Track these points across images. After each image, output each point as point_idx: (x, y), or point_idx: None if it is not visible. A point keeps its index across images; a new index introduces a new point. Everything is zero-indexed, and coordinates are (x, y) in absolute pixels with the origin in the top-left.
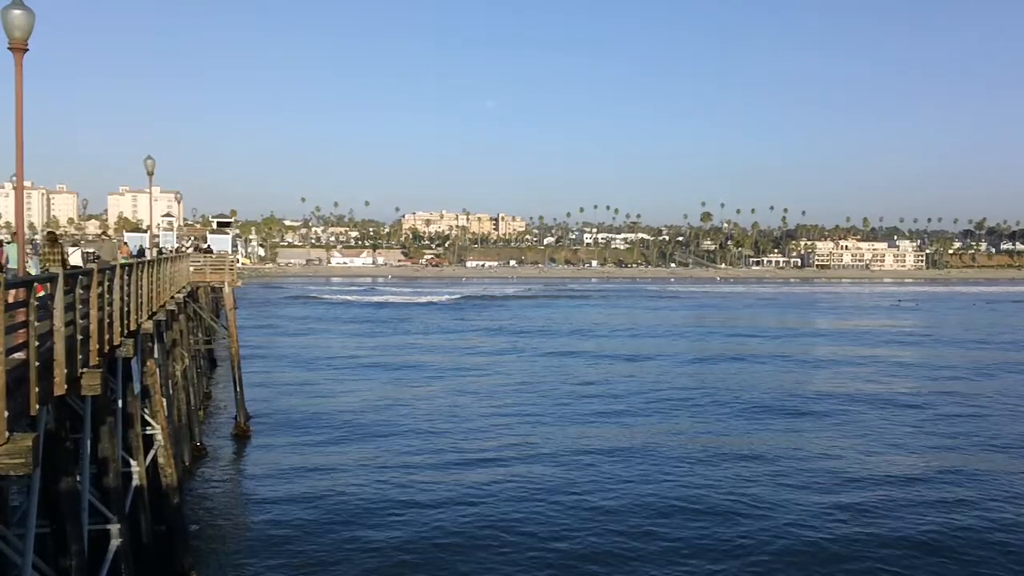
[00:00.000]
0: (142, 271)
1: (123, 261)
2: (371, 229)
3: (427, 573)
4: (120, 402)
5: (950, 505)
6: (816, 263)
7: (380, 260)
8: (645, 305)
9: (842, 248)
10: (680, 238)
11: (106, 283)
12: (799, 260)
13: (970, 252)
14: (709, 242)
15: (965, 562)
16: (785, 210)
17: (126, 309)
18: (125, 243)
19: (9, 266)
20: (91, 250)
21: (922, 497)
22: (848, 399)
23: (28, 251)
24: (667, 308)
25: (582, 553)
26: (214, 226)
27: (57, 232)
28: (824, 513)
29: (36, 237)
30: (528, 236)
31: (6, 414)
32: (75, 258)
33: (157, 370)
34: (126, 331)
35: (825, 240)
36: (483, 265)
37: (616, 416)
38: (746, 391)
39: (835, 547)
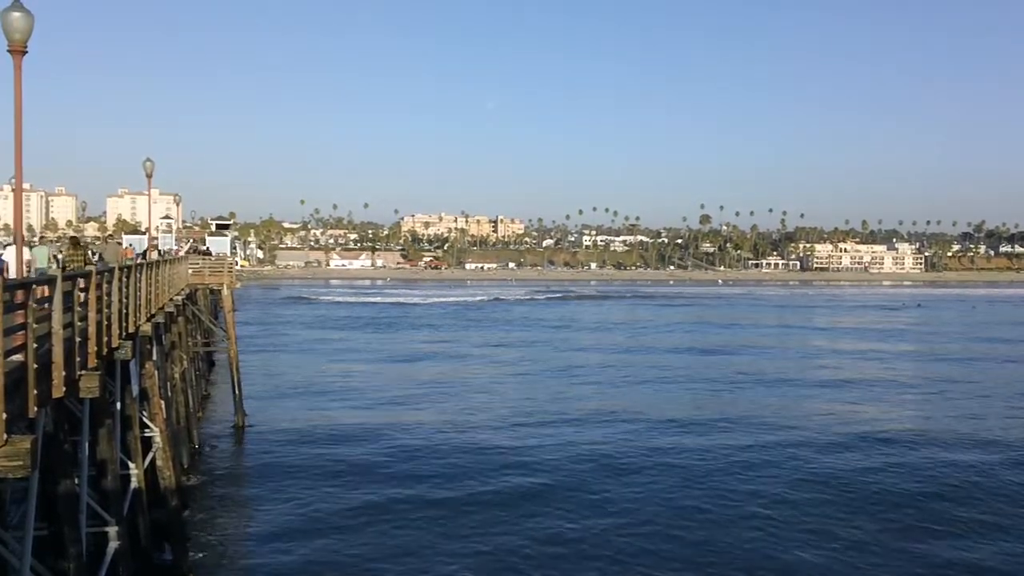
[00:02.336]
0: (140, 273)
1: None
2: (370, 231)
3: (427, 574)
4: (118, 404)
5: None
6: (815, 266)
7: (379, 262)
8: (669, 306)
9: (841, 251)
10: (679, 240)
11: (104, 285)
12: (798, 263)
13: (969, 255)
14: (708, 244)
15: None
16: (784, 212)
17: (124, 311)
18: (130, 246)
19: (37, 266)
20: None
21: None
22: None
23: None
24: (674, 309)
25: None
26: (213, 228)
27: (76, 237)
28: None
29: (34, 239)
30: (527, 238)
31: (4, 416)
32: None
33: (156, 372)
34: (124, 333)
35: (824, 243)
36: (482, 267)
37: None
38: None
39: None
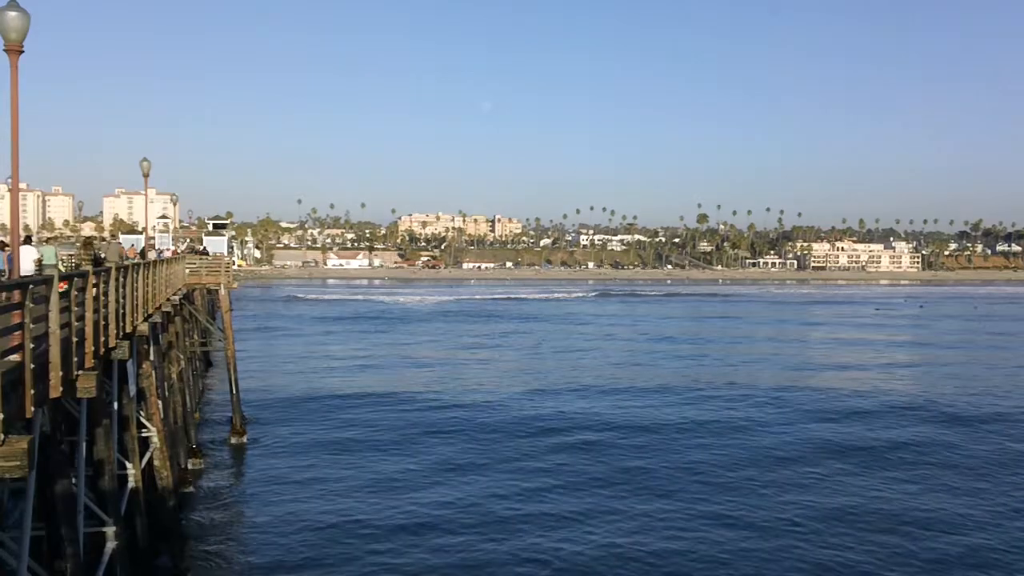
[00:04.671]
0: (137, 273)
1: (131, 262)
2: (367, 231)
3: (425, 570)
4: (116, 404)
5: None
6: (812, 265)
7: (376, 262)
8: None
9: (838, 250)
10: (676, 240)
11: (101, 285)
12: (795, 262)
13: (966, 253)
14: (705, 244)
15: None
16: (781, 212)
17: (122, 311)
18: (132, 246)
19: (46, 263)
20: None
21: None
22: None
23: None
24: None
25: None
26: (210, 228)
27: (90, 238)
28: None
29: (31, 237)
30: (524, 238)
31: (1, 416)
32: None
33: (153, 372)
34: (122, 333)
35: (821, 242)
36: (479, 267)
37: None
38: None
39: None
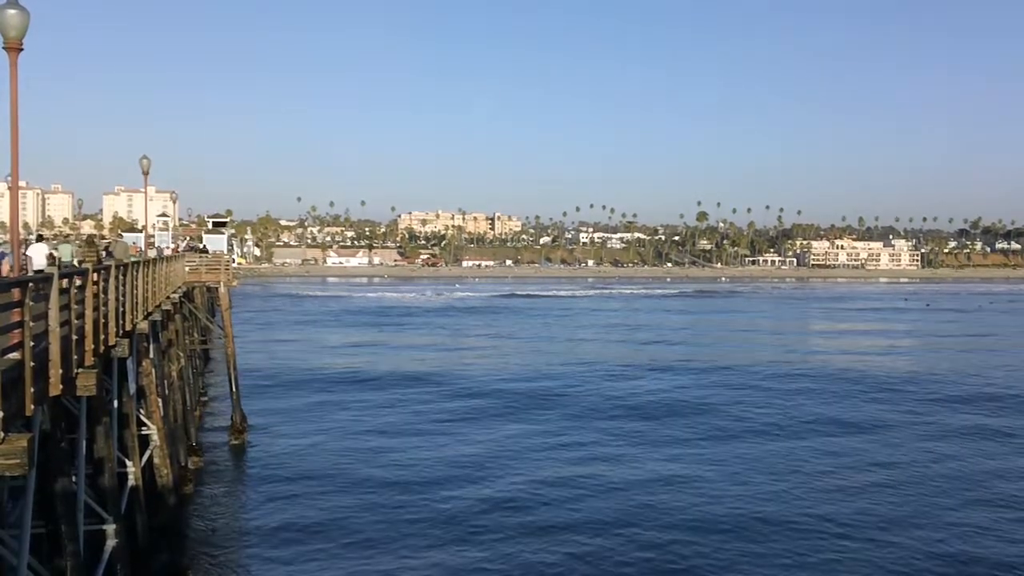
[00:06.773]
0: (137, 271)
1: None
2: (367, 229)
3: (426, 568)
4: (116, 402)
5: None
6: (812, 262)
7: (376, 260)
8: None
9: (838, 247)
10: (676, 238)
11: (101, 283)
12: (795, 260)
13: (965, 251)
14: (705, 242)
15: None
16: (781, 210)
17: (121, 309)
18: (134, 243)
19: (64, 260)
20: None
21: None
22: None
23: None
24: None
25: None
26: (210, 226)
27: (94, 235)
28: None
29: (30, 237)
30: (524, 236)
31: (1, 414)
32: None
33: (153, 370)
34: (121, 331)
35: (821, 239)
36: (479, 265)
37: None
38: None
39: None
